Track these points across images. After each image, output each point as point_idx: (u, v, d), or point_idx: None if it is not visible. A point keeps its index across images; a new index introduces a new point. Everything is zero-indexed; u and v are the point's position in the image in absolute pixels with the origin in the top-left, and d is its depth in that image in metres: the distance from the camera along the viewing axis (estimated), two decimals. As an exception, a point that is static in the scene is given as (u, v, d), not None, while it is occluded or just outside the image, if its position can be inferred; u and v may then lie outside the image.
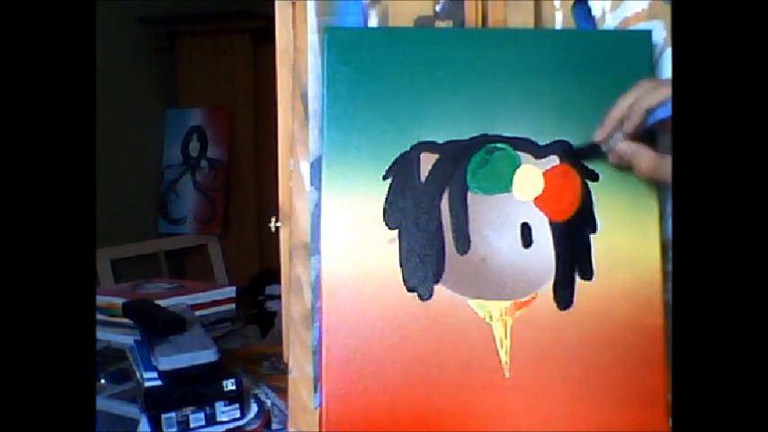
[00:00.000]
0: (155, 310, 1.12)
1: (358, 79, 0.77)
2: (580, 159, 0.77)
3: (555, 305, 0.76)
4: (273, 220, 0.84)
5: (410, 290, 0.76)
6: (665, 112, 0.72)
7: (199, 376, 0.93)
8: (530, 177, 0.77)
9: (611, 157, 0.76)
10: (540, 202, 0.77)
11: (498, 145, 0.77)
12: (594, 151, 0.77)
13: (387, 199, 0.76)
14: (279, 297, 0.88)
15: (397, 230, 0.76)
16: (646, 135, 0.74)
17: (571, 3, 0.81)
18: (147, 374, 0.95)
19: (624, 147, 0.74)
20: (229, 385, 0.93)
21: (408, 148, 0.77)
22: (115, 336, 1.18)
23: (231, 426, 0.93)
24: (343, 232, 0.76)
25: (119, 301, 1.22)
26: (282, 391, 0.92)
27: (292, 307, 0.80)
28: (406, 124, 0.77)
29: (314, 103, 0.80)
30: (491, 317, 0.76)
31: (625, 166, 0.76)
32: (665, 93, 0.72)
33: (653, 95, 0.72)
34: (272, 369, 1.10)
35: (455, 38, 0.79)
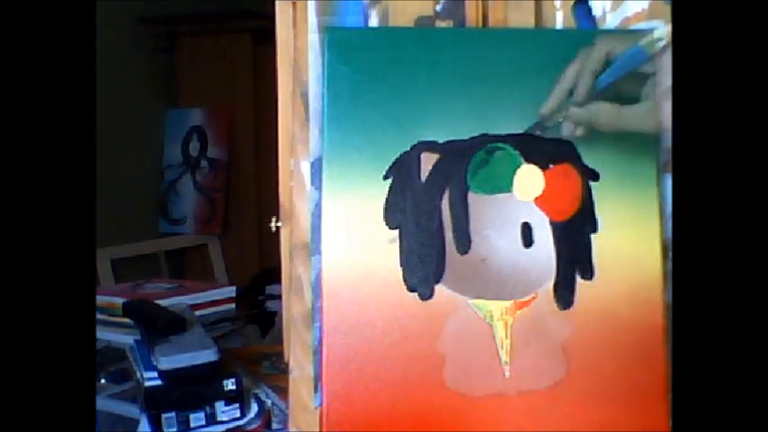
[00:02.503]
0: (155, 310, 1.12)
1: (358, 79, 0.77)
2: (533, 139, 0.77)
3: (555, 305, 0.76)
4: (274, 219, 0.84)
5: (410, 290, 0.76)
6: (613, 73, 0.75)
7: (199, 376, 0.93)
8: (530, 177, 0.77)
9: (566, 128, 0.77)
10: (540, 201, 0.77)
11: (498, 145, 0.77)
12: (542, 128, 0.77)
13: (387, 199, 0.76)
14: (279, 297, 0.88)
15: (397, 230, 0.76)
16: (598, 98, 0.77)
17: (571, 3, 0.81)
18: (147, 374, 0.95)
19: (578, 111, 0.77)
20: (229, 385, 0.93)
21: (408, 148, 0.77)
22: (115, 336, 1.18)
23: (231, 426, 0.93)
24: (343, 232, 0.76)
25: (119, 301, 1.22)
26: (283, 391, 0.92)
27: (292, 307, 0.80)
28: (407, 124, 0.77)
29: (314, 102, 0.79)
30: (491, 317, 0.76)
31: (582, 134, 0.77)
32: (607, 53, 0.76)
33: (597, 59, 0.76)
34: (273, 369, 1.10)
35: (455, 38, 0.79)
